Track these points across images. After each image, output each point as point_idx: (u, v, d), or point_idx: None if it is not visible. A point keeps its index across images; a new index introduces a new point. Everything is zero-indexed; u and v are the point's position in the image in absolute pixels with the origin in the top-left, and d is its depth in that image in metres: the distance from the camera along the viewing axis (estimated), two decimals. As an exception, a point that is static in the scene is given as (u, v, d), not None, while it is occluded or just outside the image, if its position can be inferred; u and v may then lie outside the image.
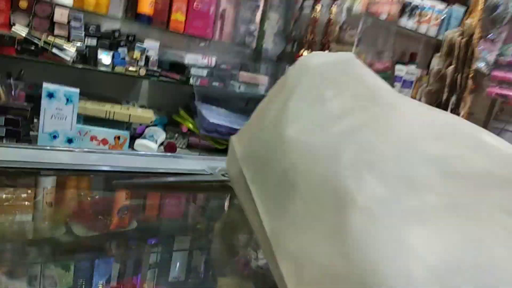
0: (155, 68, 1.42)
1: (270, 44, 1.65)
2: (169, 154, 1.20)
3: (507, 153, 0.26)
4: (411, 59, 2.18)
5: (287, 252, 0.24)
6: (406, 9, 2.01)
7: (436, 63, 1.90)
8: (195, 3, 1.52)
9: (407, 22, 2.04)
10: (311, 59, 0.43)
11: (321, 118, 0.33)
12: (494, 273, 0.18)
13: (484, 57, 2.22)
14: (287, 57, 1.61)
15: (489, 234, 0.21)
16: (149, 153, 1.07)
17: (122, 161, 0.58)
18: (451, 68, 1.84)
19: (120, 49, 1.37)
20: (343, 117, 0.32)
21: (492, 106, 2.36)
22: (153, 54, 1.45)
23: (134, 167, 0.55)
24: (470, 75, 1.98)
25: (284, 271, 0.23)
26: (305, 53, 1.47)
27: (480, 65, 2.21)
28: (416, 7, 2.04)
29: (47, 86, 1.17)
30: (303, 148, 0.30)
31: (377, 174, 0.24)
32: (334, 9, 1.47)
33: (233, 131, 1.46)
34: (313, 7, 1.49)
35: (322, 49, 1.47)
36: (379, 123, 0.29)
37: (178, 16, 1.52)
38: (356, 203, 0.22)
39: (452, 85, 1.91)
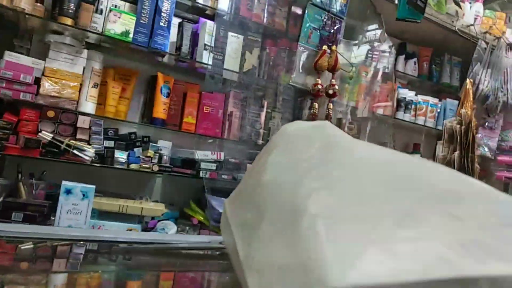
0: (168, 165, 1.52)
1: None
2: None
3: (447, 172, 0.31)
4: (415, 149, 2.26)
5: (253, 267, 0.27)
6: (401, 104, 2.15)
7: (440, 150, 1.97)
8: (204, 108, 1.69)
9: (404, 115, 2.17)
10: (289, 126, 0.50)
11: (291, 164, 0.38)
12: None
13: (487, 143, 2.29)
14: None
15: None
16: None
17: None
18: (456, 153, 1.89)
19: (135, 149, 1.49)
20: (309, 159, 0.37)
21: (505, 189, 2.34)
22: (166, 152, 1.56)
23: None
24: (476, 160, 2.03)
25: (251, 284, 0.26)
26: (308, 144, 1.56)
27: (484, 151, 2.26)
28: (411, 101, 2.19)
29: (65, 184, 1.25)
30: (274, 185, 0.35)
31: (329, 192, 0.28)
32: (331, 105, 1.61)
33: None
34: (311, 105, 1.63)
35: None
36: (336, 160, 0.33)
37: (190, 119, 1.67)
38: (307, 211, 0.26)
39: (460, 170, 1.94)
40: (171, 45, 1.54)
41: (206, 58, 1.57)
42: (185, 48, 1.54)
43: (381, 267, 0.19)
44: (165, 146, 1.58)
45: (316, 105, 1.57)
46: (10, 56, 1.32)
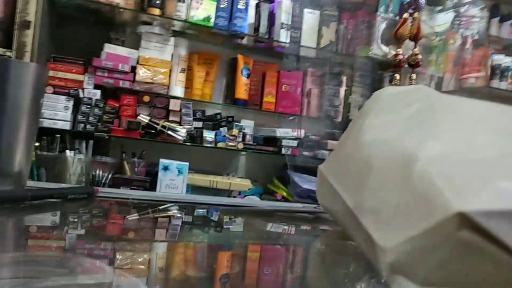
0: (251, 142, 1.59)
1: (356, 115, 1.73)
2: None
3: None
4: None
5: (367, 209, 0.29)
6: (496, 71, 1.97)
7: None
8: (283, 86, 1.71)
9: (500, 84, 1.98)
10: (384, 90, 0.51)
11: (392, 123, 0.39)
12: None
13: None
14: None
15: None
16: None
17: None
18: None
19: (221, 129, 1.58)
20: (411, 117, 0.38)
21: None
22: (249, 131, 1.63)
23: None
24: None
25: (366, 223, 0.29)
26: (391, 118, 1.51)
27: None
28: (507, 68, 1.99)
29: (163, 161, 1.38)
30: (377, 142, 0.36)
31: (437, 140, 0.29)
32: (414, 76, 1.53)
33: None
34: (393, 77, 1.56)
35: (408, 113, 1.50)
36: (441, 113, 0.34)
37: (269, 99, 1.72)
38: (418, 158, 0.27)
39: None
40: (250, 27, 1.59)
41: (284, 36, 1.59)
42: (263, 28, 1.57)
43: (506, 195, 0.20)
44: (247, 125, 1.65)
45: (397, 76, 1.50)
46: (109, 48, 1.46)
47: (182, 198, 0.67)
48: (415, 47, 1.49)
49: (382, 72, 1.67)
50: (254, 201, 1.46)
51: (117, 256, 0.34)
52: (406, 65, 1.49)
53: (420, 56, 1.46)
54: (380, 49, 1.51)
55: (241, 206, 0.63)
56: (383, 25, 1.53)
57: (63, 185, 0.55)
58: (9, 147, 0.51)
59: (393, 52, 1.51)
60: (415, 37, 1.46)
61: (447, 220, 0.20)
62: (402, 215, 0.24)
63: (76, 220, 0.48)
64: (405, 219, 0.23)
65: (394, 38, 1.47)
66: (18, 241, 0.37)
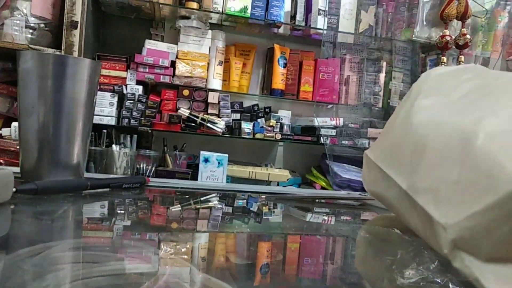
0: (289, 133, 1.58)
1: (397, 102, 1.68)
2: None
3: None
4: None
5: (423, 189, 0.29)
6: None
7: None
8: (320, 74, 1.69)
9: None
10: (433, 70, 0.49)
11: (445, 103, 0.38)
12: None
13: None
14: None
15: None
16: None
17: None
18: None
19: (259, 120, 1.58)
20: (465, 96, 0.36)
21: None
22: (286, 121, 1.62)
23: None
24: None
25: (423, 202, 0.28)
26: (435, 103, 1.46)
27: None
28: None
29: (203, 153, 1.41)
30: (429, 123, 0.35)
31: (496, 117, 0.28)
32: (462, 58, 1.46)
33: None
34: (439, 59, 1.50)
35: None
36: (497, 90, 0.33)
37: (306, 88, 1.70)
38: (479, 135, 0.26)
39: None
40: (286, 15, 1.57)
41: (321, 23, 1.56)
42: (299, 16, 1.55)
43: None
44: (285, 115, 1.64)
45: (444, 59, 1.45)
46: (150, 44, 1.50)
47: (223, 186, 0.68)
48: (462, 27, 1.43)
49: (426, 56, 1.61)
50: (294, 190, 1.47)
51: (170, 244, 0.36)
52: (454, 46, 1.43)
53: (468, 36, 1.40)
54: (425, 31, 1.45)
55: (282, 194, 0.63)
56: (427, 5, 1.46)
57: (117, 176, 0.58)
58: (68, 140, 0.54)
59: (439, 34, 1.45)
60: (462, 16, 1.40)
61: (513, 194, 0.19)
62: (463, 191, 0.24)
63: (133, 207, 0.50)
64: (467, 195, 0.23)
65: (440, 18, 1.41)
66: (80, 228, 0.40)
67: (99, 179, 0.53)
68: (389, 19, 1.62)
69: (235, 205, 0.59)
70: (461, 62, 1.47)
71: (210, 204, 0.58)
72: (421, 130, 0.35)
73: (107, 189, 0.52)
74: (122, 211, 0.47)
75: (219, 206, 0.58)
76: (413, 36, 1.52)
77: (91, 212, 0.45)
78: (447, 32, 1.45)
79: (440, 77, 0.46)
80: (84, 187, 0.49)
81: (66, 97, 0.53)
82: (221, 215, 0.51)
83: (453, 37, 1.45)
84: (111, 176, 0.59)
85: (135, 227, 0.40)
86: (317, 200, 0.62)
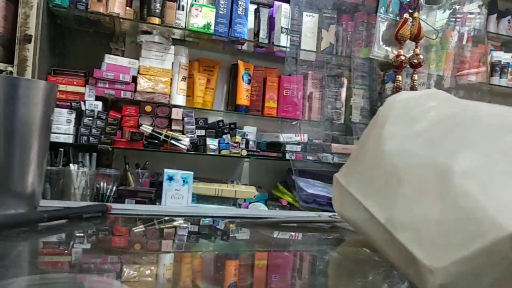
0: (255, 149, 1.58)
1: (358, 117, 1.73)
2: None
3: None
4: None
5: (403, 226, 0.28)
6: (496, 68, 1.97)
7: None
8: (284, 91, 1.71)
9: (500, 81, 1.98)
10: (398, 96, 0.50)
11: (413, 133, 0.39)
12: None
13: None
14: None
15: None
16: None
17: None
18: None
19: (224, 136, 1.57)
20: (433, 126, 0.37)
21: None
22: (252, 137, 1.62)
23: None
24: None
25: (404, 241, 0.28)
26: (394, 119, 1.51)
27: None
28: (507, 64, 1.99)
29: (167, 171, 1.37)
30: (401, 152, 0.36)
31: (470, 152, 0.28)
32: (415, 76, 1.53)
33: (331, 201, 1.49)
34: (395, 78, 1.56)
35: (411, 113, 1.50)
36: (466, 121, 0.33)
37: (271, 104, 1.71)
38: (455, 171, 0.27)
39: None
40: (249, 32, 1.58)
41: (284, 41, 1.58)
42: (263, 33, 1.57)
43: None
44: (250, 131, 1.64)
45: (399, 77, 1.51)
46: (110, 59, 1.46)
47: (188, 211, 0.66)
48: (416, 47, 1.50)
49: (384, 73, 1.67)
50: (261, 209, 1.46)
51: (145, 269, 0.33)
52: (408, 65, 1.49)
53: (421, 56, 1.47)
54: (382, 50, 1.51)
55: (251, 218, 0.62)
56: (383, 26, 1.53)
57: (75, 204, 0.54)
58: (21, 168, 0.50)
59: (395, 53, 1.51)
60: (416, 37, 1.47)
61: (501, 240, 0.20)
62: (447, 233, 0.24)
63: (97, 239, 0.47)
64: (452, 238, 0.23)
65: (395, 38, 1.47)
66: (35, 264, 0.36)
67: (56, 209, 0.49)
68: (348, 38, 1.68)
69: (200, 224, 0.57)
70: (415, 81, 1.54)
71: (169, 227, 0.56)
72: (394, 160, 0.36)
73: (65, 220, 0.49)
74: (81, 247, 0.44)
75: (183, 227, 0.55)
76: (371, 54, 1.58)
77: (46, 248, 0.42)
78: (401, 51, 1.52)
79: (406, 103, 0.47)
80: (39, 220, 0.45)
81: (19, 122, 0.49)
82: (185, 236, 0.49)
83: (407, 56, 1.52)
84: (70, 203, 0.55)
85: (96, 261, 0.37)
86: (284, 225, 0.61)
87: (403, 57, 1.47)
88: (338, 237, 0.58)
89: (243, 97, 1.65)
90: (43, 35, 1.27)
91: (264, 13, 1.57)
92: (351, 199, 0.43)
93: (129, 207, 0.68)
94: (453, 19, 1.81)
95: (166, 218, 0.60)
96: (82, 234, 0.48)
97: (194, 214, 0.65)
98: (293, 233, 0.59)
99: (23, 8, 1.16)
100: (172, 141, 1.45)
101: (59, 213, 0.48)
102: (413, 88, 1.47)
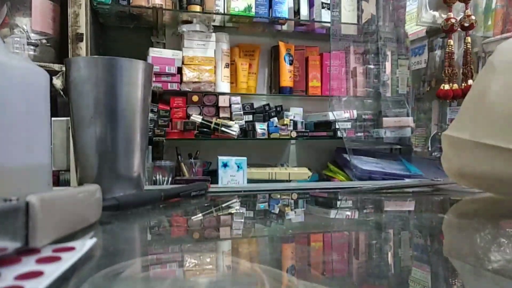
0: (304, 130, 1.56)
1: (405, 89, 1.68)
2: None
3: None
4: None
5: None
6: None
7: None
8: (327, 69, 1.67)
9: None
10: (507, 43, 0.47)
11: None
12: None
13: None
14: (427, 96, 1.61)
15: None
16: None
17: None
18: None
19: (271, 119, 1.55)
20: None
21: None
22: (299, 119, 1.60)
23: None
24: None
25: None
26: (447, 86, 1.45)
27: None
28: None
29: (221, 158, 1.37)
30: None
31: None
32: (469, 39, 1.46)
33: (387, 176, 1.46)
34: (444, 43, 1.50)
35: (466, 79, 1.44)
36: None
37: (315, 83, 1.68)
38: None
39: None
40: (289, 12, 1.55)
41: (326, 16, 1.55)
42: (303, 10, 1.53)
43: None
44: (297, 112, 1.62)
45: (451, 41, 1.44)
46: (154, 52, 1.46)
47: (286, 186, 0.65)
48: (466, 8, 1.43)
49: (433, 39, 1.61)
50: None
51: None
52: (459, 28, 1.43)
53: (473, 17, 1.40)
54: (429, 15, 1.45)
55: (352, 187, 0.61)
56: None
57: (181, 185, 0.54)
58: (128, 151, 0.50)
59: (443, 17, 1.45)
60: (466, -2, 1.40)
61: None
62: None
63: (224, 212, 0.46)
64: None
65: (443, 1, 1.41)
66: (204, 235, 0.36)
67: (168, 189, 0.49)
68: (390, 8, 1.62)
69: (319, 200, 0.56)
70: (468, 43, 1.47)
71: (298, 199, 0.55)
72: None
73: (178, 199, 0.49)
74: (224, 217, 0.43)
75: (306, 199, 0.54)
76: (418, 21, 1.51)
77: (194, 220, 0.41)
78: (451, 14, 1.45)
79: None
80: (159, 199, 0.45)
81: (122, 104, 0.49)
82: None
83: (458, 19, 1.45)
84: (174, 186, 0.56)
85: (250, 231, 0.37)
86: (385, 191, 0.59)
87: (453, 20, 1.41)
88: (452, 198, 0.55)
89: (286, 79, 1.62)
90: (91, 33, 1.29)
91: (303, -10, 1.54)
92: (485, 149, 0.41)
93: (222, 186, 0.68)
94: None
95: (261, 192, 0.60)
96: (210, 208, 0.48)
97: (284, 188, 0.64)
98: (403, 199, 0.57)
99: (72, 8, 1.18)
100: (223, 129, 1.45)
101: (172, 191, 0.48)
102: (467, 51, 1.40)
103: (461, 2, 1.46)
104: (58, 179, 0.96)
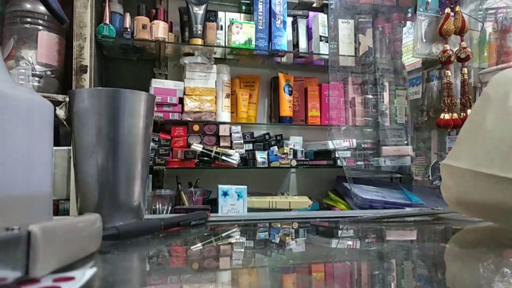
0: (303, 158, 1.56)
1: (404, 118, 1.70)
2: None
3: None
4: None
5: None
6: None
7: None
8: (326, 99, 1.70)
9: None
10: (507, 72, 0.48)
11: None
12: None
13: None
14: (426, 125, 1.62)
15: None
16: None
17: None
18: None
19: (271, 148, 1.56)
20: None
21: None
22: (299, 147, 1.61)
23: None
24: None
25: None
26: (447, 116, 1.47)
27: None
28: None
29: (222, 187, 1.37)
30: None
31: None
32: (465, 70, 1.49)
33: (387, 205, 1.46)
34: (441, 74, 1.53)
35: (464, 109, 1.46)
36: None
37: (314, 113, 1.70)
38: None
39: None
40: (288, 44, 1.59)
41: (323, 49, 1.59)
42: (302, 43, 1.58)
43: None
44: (296, 141, 1.63)
45: (449, 72, 1.48)
46: (156, 83, 1.49)
47: (287, 215, 0.65)
48: (461, 41, 1.47)
49: (428, 71, 1.64)
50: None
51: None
52: (455, 60, 1.46)
53: (469, 49, 1.44)
54: (425, 48, 1.49)
55: (351, 217, 0.60)
56: (424, 23, 1.51)
57: (180, 214, 0.54)
58: (129, 180, 0.51)
59: (439, 49, 1.48)
60: (461, 31, 1.44)
61: None
62: None
63: (222, 242, 0.46)
64: None
65: (439, 34, 1.45)
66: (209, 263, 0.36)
67: (168, 218, 0.49)
68: (387, 40, 1.67)
69: (320, 229, 0.55)
70: (465, 75, 1.50)
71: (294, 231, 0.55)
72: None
73: (178, 228, 0.49)
74: (223, 247, 0.43)
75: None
76: (414, 53, 1.55)
77: (193, 250, 0.41)
78: (447, 46, 1.49)
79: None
80: (158, 228, 0.45)
81: (124, 135, 0.50)
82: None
83: (454, 51, 1.49)
84: (173, 215, 0.55)
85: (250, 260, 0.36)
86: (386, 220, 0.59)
87: (450, 52, 1.44)
88: (453, 227, 0.55)
89: (286, 109, 1.65)
90: (94, 66, 1.32)
91: (302, 24, 1.58)
92: (484, 178, 0.41)
93: (222, 215, 0.68)
94: (493, 10, 1.77)
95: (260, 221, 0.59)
96: (210, 238, 0.48)
97: (285, 217, 0.64)
98: (404, 228, 0.56)
99: (77, 41, 1.21)
100: (223, 157, 1.45)
101: (172, 220, 0.48)
102: (464, 82, 1.43)
103: (457, 35, 1.50)
104: (58, 208, 0.95)
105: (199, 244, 0.45)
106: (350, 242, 0.48)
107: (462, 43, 1.46)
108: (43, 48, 1.25)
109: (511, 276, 0.31)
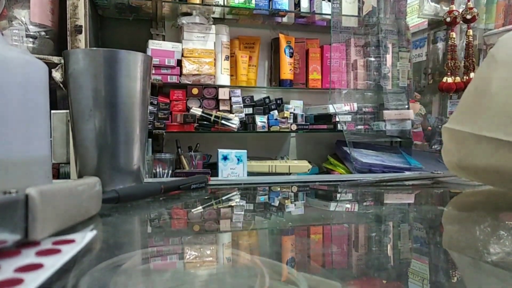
0: (304, 122, 1.56)
1: (406, 81, 1.67)
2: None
3: None
4: None
5: None
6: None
7: None
8: (327, 61, 1.67)
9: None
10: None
11: None
12: None
13: None
14: (428, 89, 1.60)
15: None
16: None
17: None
18: None
19: (271, 112, 1.55)
20: None
21: None
22: (299, 111, 1.59)
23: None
24: None
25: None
26: (449, 79, 1.45)
27: None
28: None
29: (221, 151, 1.37)
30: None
31: None
32: (470, 31, 1.45)
33: (387, 169, 1.46)
34: (446, 36, 1.49)
35: (467, 72, 1.43)
36: None
37: (315, 76, 1.68)
38: None
39: None
40: (290, 3, 1.54)
41: (325, 9, 1.53)
42: (304, 2, 1.52)
43: None
44: (297, 105, 1.61)
45: (453, 34, 1.44)
46: (153, 44, 1.45)
47: (287, 179, 0.65)
48: (468, 1, 1.42)
49: (435, 31, 1.60)
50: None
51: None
52: (461, 21, 1.42)
53: (475, 10, 1.39)
54: (431, 8, 1.44)
55: (351, 180, 0.61)
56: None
57: (181, 178, 0.54)
58: (128, 143, 0.50)
59: (445, 10, 1.44)
60: (468, -10, 1.38)
61: None
62: None
63: (225, 204, 0.46)
64: None
65: (446, -7, 1.39)
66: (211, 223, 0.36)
67: (168, 181, 0.49)
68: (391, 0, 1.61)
69: (319, 193, 0.56)
70: (470, 36, 1.46)
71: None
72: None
73: (178, 192, 0.49)
74: (224, 209, 0.43)
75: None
76: (420, 13, 1.51)
77: (194, 213, 0.41)
78: (454, 7, 1.44)
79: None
80: (158, 191, 0.45)
81: (123, 97, 0.49)
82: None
83: (460, 11, 1.44)
84: (174, 179, 0.55)
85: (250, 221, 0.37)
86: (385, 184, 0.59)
87: (456, 13, 1.40)
88: (452, 191, 0.55)
89: (286, 72, 1.62)
90: (89, 26, 1.28)
91: (304, -19, 1.52)
92: (487, 142, 0.40)
93: (222, 178, 0.68)
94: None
95: (259, 184, 0.60)
96: (210, 201, 0.48)
97: (284, 181, 0.64)
98: (403, 192, 0.57)
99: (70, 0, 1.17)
100: (223, 122, 1.44)
101: (172, 184, 0.48)
102: (469, 44, 1.40)
103: (463, -6, 1.45)
104: (58, 172, 0.96)
105: (200, 207, 0.45)
106: (348, 205, 0.49)
107: (468, 3, 1.41)
108: (36, 7, 1.21)
109: (507, 238, 0.31)
